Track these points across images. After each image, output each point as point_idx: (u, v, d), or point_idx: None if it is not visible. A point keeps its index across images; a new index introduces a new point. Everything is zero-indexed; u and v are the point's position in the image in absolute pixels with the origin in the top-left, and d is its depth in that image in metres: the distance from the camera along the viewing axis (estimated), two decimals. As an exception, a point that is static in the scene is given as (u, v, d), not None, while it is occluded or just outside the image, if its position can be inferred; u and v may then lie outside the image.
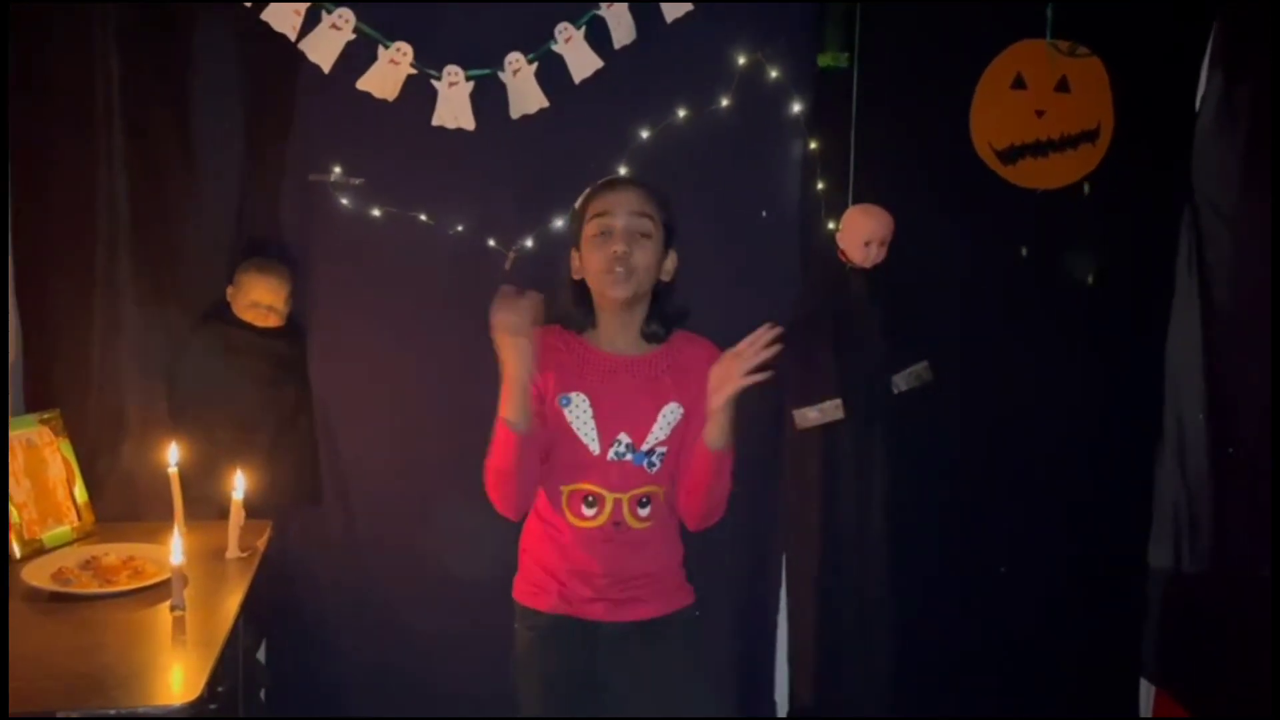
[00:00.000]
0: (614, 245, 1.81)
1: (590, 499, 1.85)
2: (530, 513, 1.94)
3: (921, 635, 2.62)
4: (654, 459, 1.86)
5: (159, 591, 1.88)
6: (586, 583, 1.87)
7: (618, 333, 1.90)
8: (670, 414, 1.86)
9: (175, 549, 1.77)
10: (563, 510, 1.87)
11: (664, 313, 1.92)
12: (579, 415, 1.86)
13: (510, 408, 1.76)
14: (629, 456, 1.84)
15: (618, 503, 1.84)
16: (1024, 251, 2.53)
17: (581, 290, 1.91)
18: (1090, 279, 2.56)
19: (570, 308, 1.92)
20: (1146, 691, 2.77)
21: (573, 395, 1.86)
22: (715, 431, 1.79)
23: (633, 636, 1.89)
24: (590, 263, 1.86)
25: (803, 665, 2.64)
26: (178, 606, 1.78)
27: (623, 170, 2.35)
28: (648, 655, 1.89)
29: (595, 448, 1.84)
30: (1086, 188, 2.52)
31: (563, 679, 1.91)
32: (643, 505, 1.85)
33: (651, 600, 1.90)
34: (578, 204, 1.96)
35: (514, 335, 1.73)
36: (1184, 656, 2.66)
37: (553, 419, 1.85)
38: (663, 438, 1.87)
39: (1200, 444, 2.58)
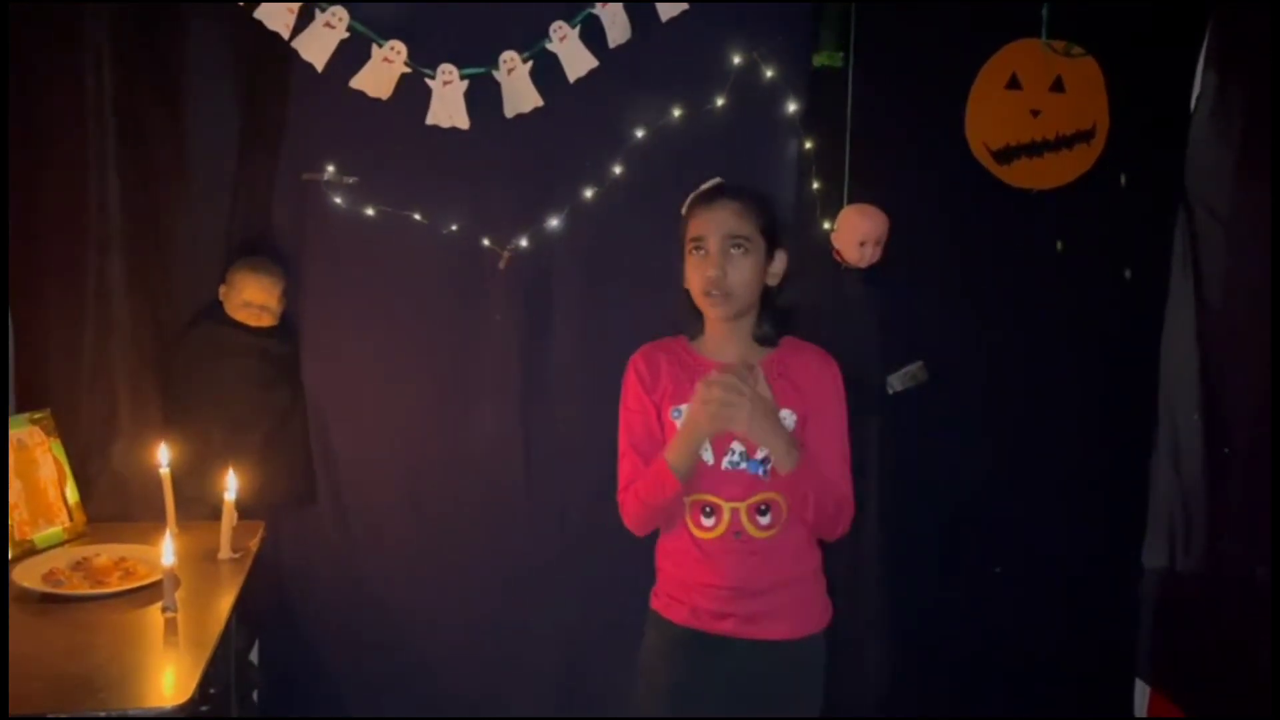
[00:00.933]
0: (708, 269, 1.79)
1: (708, 509, 1.83)
2: (662, 528, 1.91)
3: (916, 636, 2.62)
4: (770, 466, 1.80)
5: (151, 593, 1.87)
6: (712, 596, 1.83)
7: (725, 340, 1.88)
8: (783, 419, 1.80)
9: (166, 550, 1.76)
10: (688, 521, 1.85)
11: (775, 316, 1.89)
12: None
13: (678, 453, 1.75)
14: (744, 465, 1.81)
15: (735, 512, 1.81)
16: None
17: (691, 298, 1.87)
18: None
19: (686, 314, 1.90)
20: (1141, 692, 2.76)
21: (684, 408, 1.82)
22: (774, 457, 1.76)
23: (764, 657, 1.84)
24: (690, 280, 1.85)
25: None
26: (169, 608, 1.77)
27: (617, 170, 2.35)
28: (777, 679, 1.85)
29: (709, 458, 1.81)
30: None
31: (697, 691, 1.85)
32: (762, 513, 1.81)
33: (783, 617, 1.85)
34: (682, 210, 1.90)
35: (724, 398, 1.69)
36: (1179, 656, 2.64)
37: (670, 431, 1.83)
38: None
39: (1195, 444, 2.57)
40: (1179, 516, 2.64)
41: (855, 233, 2.38)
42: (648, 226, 2.23)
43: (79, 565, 1.98)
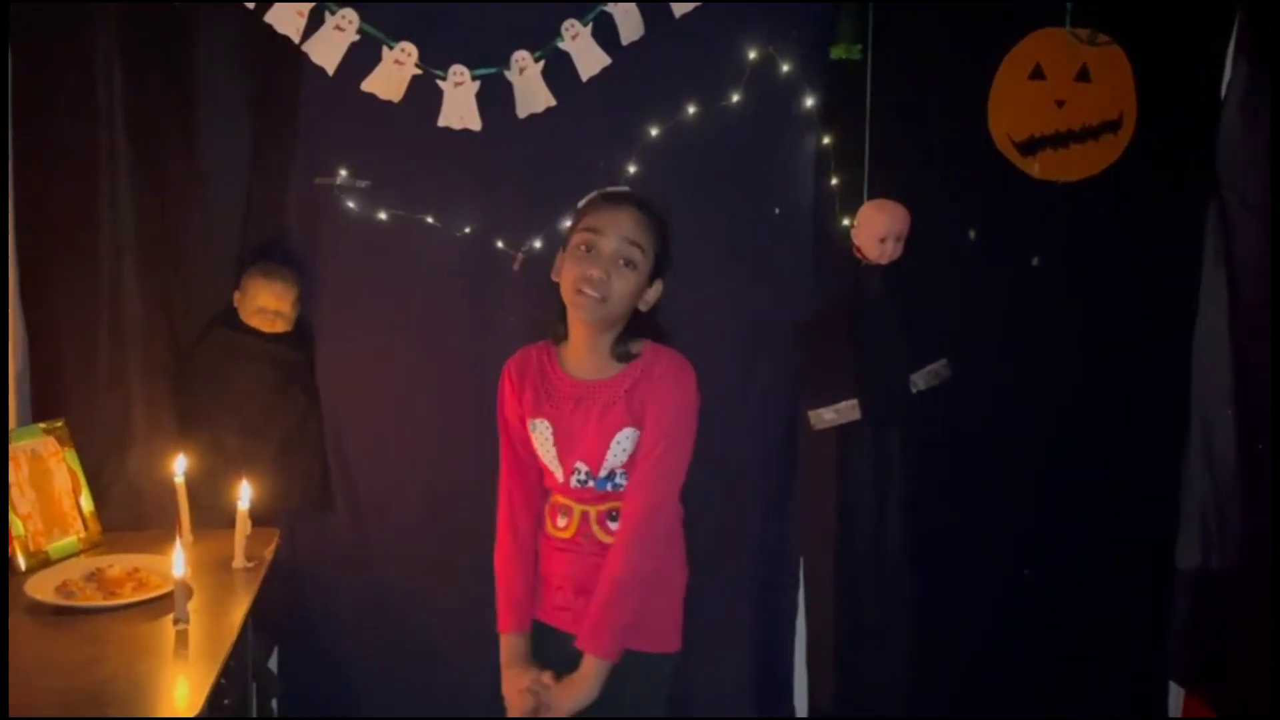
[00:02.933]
0: (592, 267, 1.75)
1: (563, 510, 1.88)
2: (505, 548, 1.98)
3: (943, 639, 2.58)
4: (616, 481, 1.85)
5: (163, 604, 1.85)
6: (559, 590, 1.90)
7: (585, 353, 1.86)
8: (625, 440, 1.81)
9: (177, 561, 1.75)
10: (546, 518, 1.91)
11: (639, 330, 1.86)
12: (543, 442, 1.87)
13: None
14: (590, 484, 1.85)
15: (585, 514, 1.85)
16: (1036, 261, 2.51)
17: (561, 298, 1.86)
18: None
19: (553, 316, 1.89)
20: (1175, 695, 2.72)
21: (538, 422, 1.87)
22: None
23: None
24: (566, 274, 1.80)
25: (822, 669, 2.60)
26: (181, 620, 1.75)
27: (632, 169, 2.33)
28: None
29: (559, 474, 1.86)
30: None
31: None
32: (613, 520, 1.84)
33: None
34: (580, 204, 1.91)
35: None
36: (1213, 658, 2.59)
37: (526, 441, 1.89)
38: (619, 464, 1.84)
39: (1228, 440, 2.52)
40: (1212, 515, 2.59)
41: (876, 229, 2.34)
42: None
43: (92, 576, 1.97)
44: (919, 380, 2.47)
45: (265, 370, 2.37)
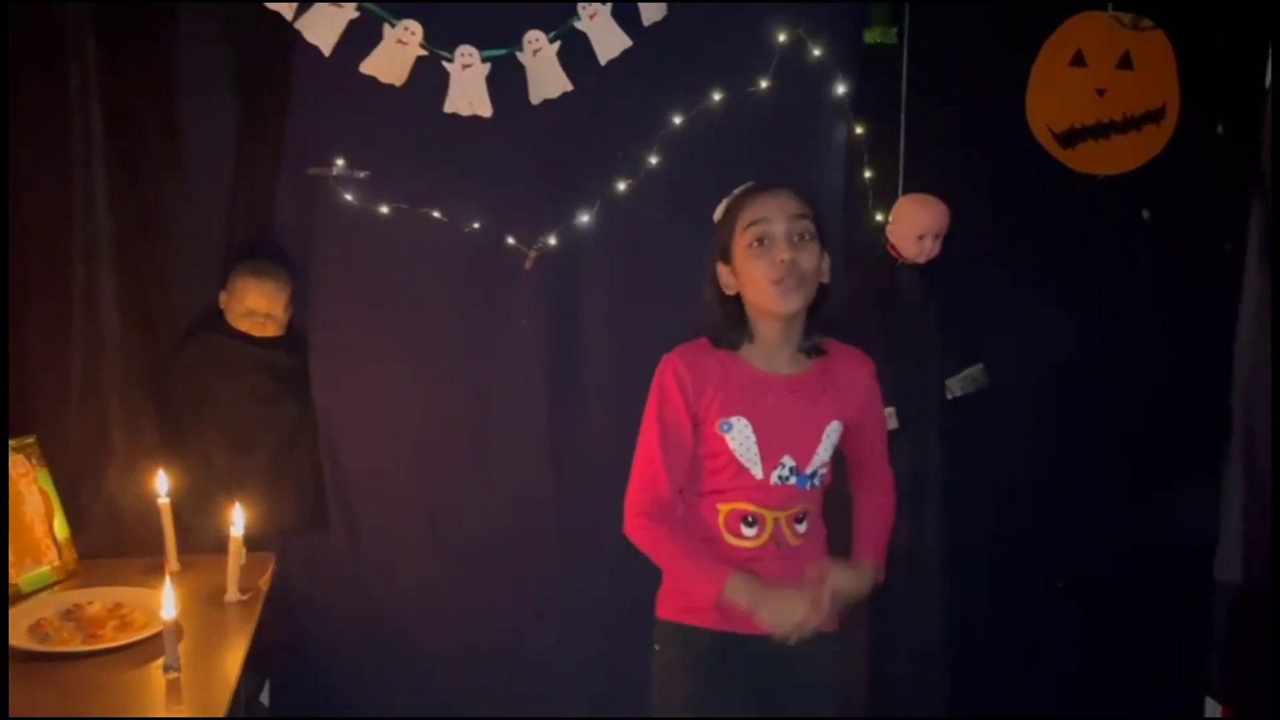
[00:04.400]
0: (780, 253, 1.69)
1: (750, 519, 1.78)
2: (679, 530, 1.81)
3: (976, 651, 2.52)
4: (815, 480, 1.81)
5: (150, 647, 1.68)
6: None
7: (778, 348, 1.78)
8: (833, 433, 1.79)
9: (167, 601, 1.57)
10: (720, 530, 1.79)
11: (820, 324, 1.81)
12: (742, 440, 1.76)
13: (731, 596, 1.70)
14: (793, 480, 1.77)
15: (778, 521, 1.78)
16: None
17: (733, 306, 1.78)
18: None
19: (721, 326, 1.78)
20: (1212, 710, 2.66)
21: (734, 420, 1.76)
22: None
23: (788, 655, 1.74)
24: (752, 274, 1.72)
25: (850, 683, 2.46)
26: (172, 667, 1.58)
27: (653, 159, 2.24)
28: (806, 671, 1.80)
29: (758, 472, 1.76)
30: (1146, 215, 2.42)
31: (728, 694, 1.80)
32: (799, 522, 1.80)
33: None
34: (718, 214, 1.79)
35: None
36: (1253, 675, 2.52)
37: (712, 443, 1.77)
38: (826, 459, 1.81)
39: (1270, 447, 2.44)
40: (1254, 527, 2.52)
41: (913, 225, 2.27)
42: (685, 221, 2.10)
43: (69, 614, 1.78)
44: (955, 386, 2.41)
45: (255, 379, 2.27)
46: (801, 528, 1.80)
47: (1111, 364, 2.48)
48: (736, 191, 1.79)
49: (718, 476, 1.78)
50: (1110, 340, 2.47)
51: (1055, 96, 2.37)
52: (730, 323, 1.77)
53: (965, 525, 2.46)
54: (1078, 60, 2.36)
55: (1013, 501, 2.48)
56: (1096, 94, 2.37)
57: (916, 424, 2.38)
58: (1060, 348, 2.44)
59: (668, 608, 1.85)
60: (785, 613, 1.65)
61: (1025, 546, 2.50)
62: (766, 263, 1.69)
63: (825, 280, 1.77)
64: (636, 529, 1.78)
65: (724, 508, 1.78)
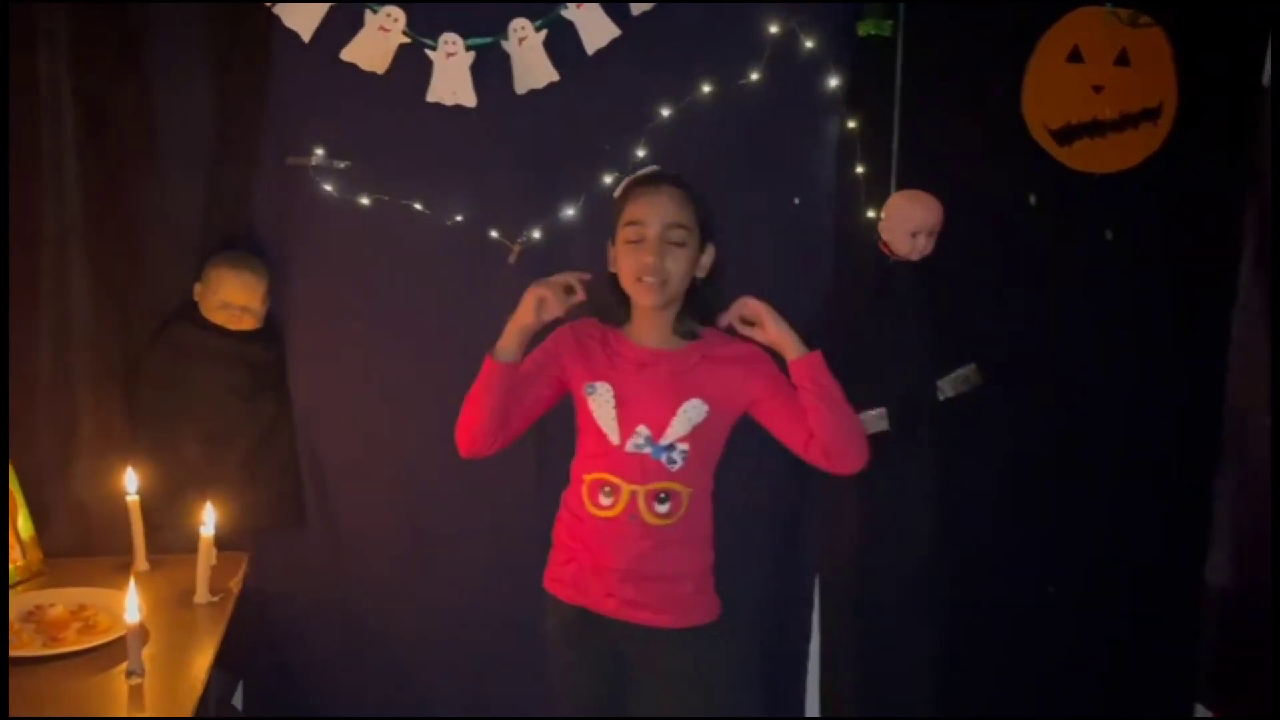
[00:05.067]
0: (645, 256, 1.83)
1: (608, 489, 1.87)
2: (561, 504, 1.98)
3: (963, 656, 2.48)
4: (674, 455, 1.86)
5: (114, 651, 1.63)
6: (600, 576, 1.89)
7: (651, 329, 1.93)
8: (692, 410, 1.86)
9: (130, 604, 1.52)
10: (584, 499, 1.90)
11: (699, 309, 1.93)
12: (602, 405, 1.89)
13: (503, 339, 1.84)
14: (647, 449, 1.86)
15: (634, 494, 1.85)
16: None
17: (618, 284, 1.91)
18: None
19: (606, 302, 1.94)
20: (1202, 717, 2.63)
21: (598, 385, 1.90)
22: (788, 343, 1.85)
23: (646, 641, 1.88)
24: (623, 267, 1.88)
25: (836, 695, 2.49)
26: (135, 673, 1.53)
27: (640, 152, 2.20)
28: (662, 665, 1.89)
29: (615, 438, 1.87)
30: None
31: (585, 671, 1.95)
32: (661, 501, 1.85)
33: (664, 609, 1.88)
34: (616, 193, 1.93)
35: (539, 290, 1.82)
36: (1243, 680, 2.52)
37: (578, 407, 1.93)
38: (682, 433, 1.87)
39: (1264, 450, 2.40)
40: (1246, 529, 2.49)
41: (906, 222, 2.21)
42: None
43: (30, 616, 1.73)
44: (946, 386, 2.36)
45: (230, 372, 2.23)
46: (662, 508, 1.85)
47: (1105, 365, 2.43)
48: (627, 180, 1.92)
49: (584, 441, 1.92)
50: (1104, 340, 2.42)
51: (1052, 92, 2.32)
52: (614, 301, 1.92)
53: (955, 528, 2.41)
54: (1075, 56, 2.32)
55: (1004, 504, 2.44)
56: (1093, 91, 2.33)
57: (907, 425, 2.33)
58: (1054, 348, 2.41)
59: (546, 578, 1.96)
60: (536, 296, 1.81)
61: (1016, 550, 2.46)
62: (635, 261, 1.84)
63: (702, 275, 1.90)
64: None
65: (588, 478, 1.89)
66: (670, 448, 1.85)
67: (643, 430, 1.85)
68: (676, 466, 1.86)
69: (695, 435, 1.86)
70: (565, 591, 1.92)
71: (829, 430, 1.83)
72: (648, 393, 1.88)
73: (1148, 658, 2.56)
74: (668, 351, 1.91)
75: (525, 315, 1.81)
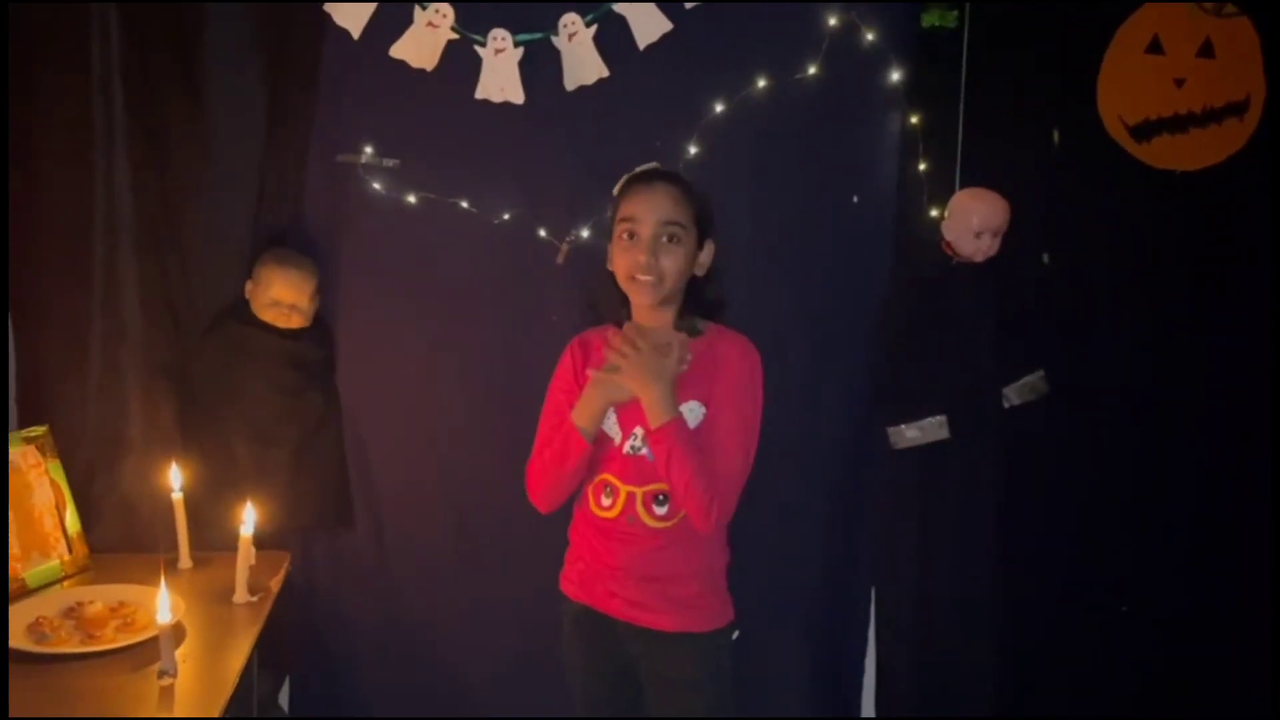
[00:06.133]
0: (639, 254, 1.81)
1: (608, 489, 1.87)
2: (575, 505, 1.97)
3: (1031, 675, 2.41)
4: None
5: (150, 649, 1.62)
6: (603, 575, 1.88)
7: (651, 328, 1.89)
8: (687, 412, 1.81)
9: (162, 604, 1.51)
10: (589, 500, 1.90)
11: (697, 306, 1.90)
12: None
13: (584, 415, 1.82)
14: (644, 450, 1.83)
15: (631, 496, 1.84)
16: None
17: (616, 282, 1.89)
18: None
19: (606, 300, 1.93)
20: None
21: None
22: (646, 408, 1.79)
23: (650, 643, 1.86)
24: (617, 265, 1.87)
25: (892, 710, 2.42)
26: (167, 672, 1.52)
27: (693, 149, 2.15)
28: (663, 669, 1.88)
29: (617, 437, 1.87)
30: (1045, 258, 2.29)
31: (593, 670, 1.95)
32: (659, 503, 1.83)
33: (663, 611, 1.85)
34: (615, 191, 1.91)
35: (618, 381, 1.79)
36: None
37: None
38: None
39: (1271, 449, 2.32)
40: None
41: (970, 222, 2.16)
42: (727, 213, 2.02)
43: (70, 612, 1.74)
44: (1013, 394, 2.29)
45: (279, 370, 2.22)
46: (661, 509, 1.82)
47: (1181, 373, 2.33)
48: (626, 177, 1.89)
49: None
50: (1180, 347, 2.32)
51: (1129, 86, 2.23)
52: (613, 298, 1.90)
53: (1022, 543, 2.34)
54: (1154, 47, 2.22)
55: (1073, 518, 2.36)
56: (1174, 84, 2.23)
57: (970, 434, 2.26)
58: (1126, 355, 2.32)
59: (561, 576, 1.96)
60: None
61: (1086, 566, 2.37)
62: (629, 258, 1.82)
63: (700, 274, 1.87)
64: (527, 473, 1.91)
65: (592, 480, 1.88)
66: None
67: (639, 431, 1.83)
68: None
69: (693, 437, 1.81)
70: (573, 590, 1.92)
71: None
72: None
73: (1222, 678, 2.44)
74: None
75: (609, 394, 1.79)
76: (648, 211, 1.81)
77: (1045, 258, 2.29)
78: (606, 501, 1.86)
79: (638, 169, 1.93)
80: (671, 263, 1.81)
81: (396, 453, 2.29)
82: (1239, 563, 2.40)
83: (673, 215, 1.81)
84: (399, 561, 2.31)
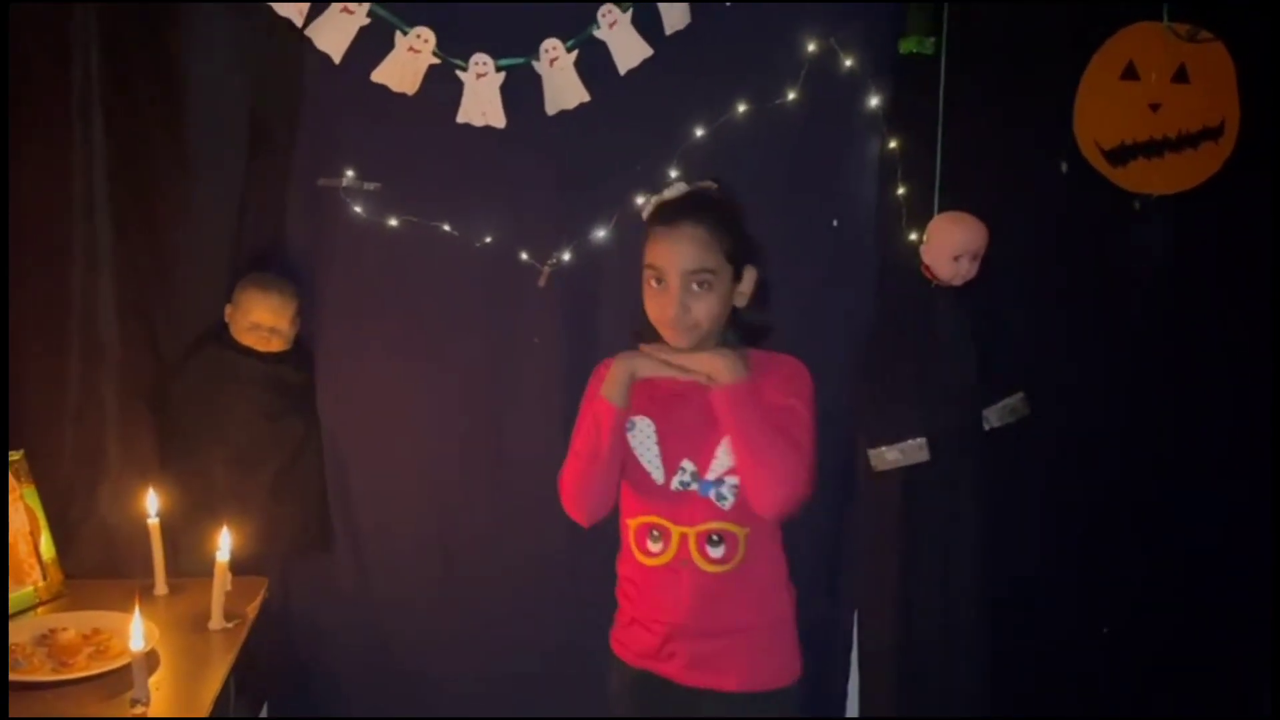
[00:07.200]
0: (667, 306, 1.69)
1: (655, 533, 1.74)
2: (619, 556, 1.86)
3: (1010, 703, 2.39)
4: (724, 490, 1.72)
5: (123, 677, 1.61)
6: (658, 632, 1.76)
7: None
8: (727, 448, 1.71)
9: (135, 632, 1.49)
10: (631, 546, 1.78)
11: (743, 333, 1.79)
12: (643, 441, 1.77)
13: (610, 386, 1.72)
14: (694, 486, 1.72)
15: (684, 538, 1.72)
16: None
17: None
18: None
19: (646, 324, 1.78)
20: None
21: (637, 420, 1.77)
22: (713, 367, 1.69)
23: (714, 707, 1.74)
24: (648, 308, 1.75)
25: None
26: (139, 701, 1.51)
27: (673, 174, 2.14)
28: None
29: (659, 475, 1.75)
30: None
31: None
32: (713, 544, 1.72)
33: (727, 669, 1.75)
34: (645, 214, 1.81)
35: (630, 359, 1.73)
36: None
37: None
38: (729, 466, 1.72)
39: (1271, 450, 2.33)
40: None
41: (949, 245, 2.16)
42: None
43: (43, 639, 1.72)
44: (993, 417, 2.28)
45: (259, 394, 2.20)
46: (716, 551, 1.71)
47: (1161, 395, 2.34)
48: (651, 204, 1.79)
49: (626, 481, 1.78)
50: (1160, 369, 2.34)
51: (1105, 111, 2.24)
52: (654, 334, 1.77)
53: (1002, 567, 2.33)
54: (1130, 73, 2.24)
55: (1054, 541, 2.37)
56: (1150, 109, 2.25)
57: (950, 457, 2.25)
58: (1106, 377, 2.33)
59: (612, 640, 1.86)
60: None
61: (1065, 588, 2.38)
62: (658, 306, 1.71)
63: (741, 304, 1.75)
64: (560, 483, 1.80)
65: (633, 523, 1.76)
66: (719, 483, 1.72)
67: (688, 465, 1.73)
68: (728, 504, 1.72)
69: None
70: (629, 655, 1.80)
71: (741, 469, 1.69)
72: (690, 424, 1.74)
73: (1212, 706, 2.45)
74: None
75: (626, 363, 1.73)
76: (670, 261, 1.68)
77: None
78: (654, 547, 1.74)
79: (665, 193, 1.80)
80: (704, 308, 1.69)
81: (377, 476, 2.27)
82: (1227, 585, 2.41)
83: (699, 263, 1.68)
84: (379, 586, 2.29)
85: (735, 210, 1.77)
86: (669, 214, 1.73)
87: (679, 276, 1.68)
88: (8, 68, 1.99)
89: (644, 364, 1.71)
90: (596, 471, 1.72)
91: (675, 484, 1.73)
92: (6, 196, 2.02)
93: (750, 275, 1.75)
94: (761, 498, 1.67)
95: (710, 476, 1.72)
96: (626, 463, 1.77)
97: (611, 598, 2.22)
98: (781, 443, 1.65)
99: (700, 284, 1.68)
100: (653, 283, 1.71)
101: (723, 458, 1.72)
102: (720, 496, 1.72)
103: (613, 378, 1.72)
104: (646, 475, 1.75)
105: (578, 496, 1.77)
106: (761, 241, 1.82)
